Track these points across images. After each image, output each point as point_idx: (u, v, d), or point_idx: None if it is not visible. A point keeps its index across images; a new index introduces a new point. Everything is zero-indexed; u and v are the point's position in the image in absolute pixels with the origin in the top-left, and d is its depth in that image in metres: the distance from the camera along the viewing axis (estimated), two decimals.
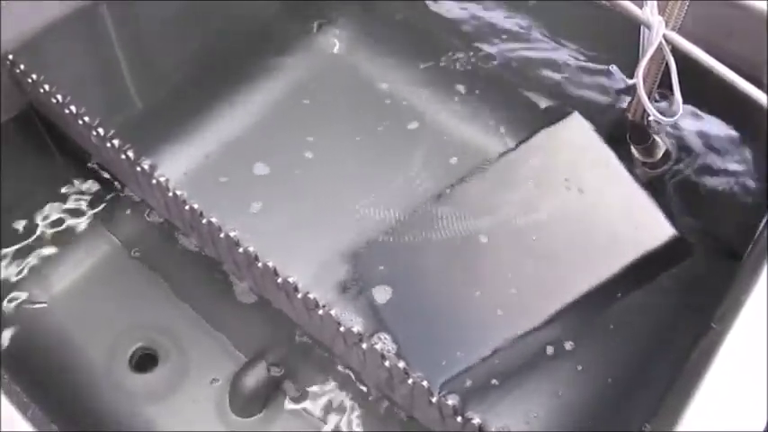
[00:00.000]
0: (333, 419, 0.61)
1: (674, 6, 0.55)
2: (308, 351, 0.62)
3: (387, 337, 0.60)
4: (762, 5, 0.57)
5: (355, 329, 0.47)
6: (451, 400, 0.44)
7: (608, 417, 0.59)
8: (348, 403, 0.61)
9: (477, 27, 0.77)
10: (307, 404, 0.61)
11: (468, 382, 0.59)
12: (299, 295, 0.49)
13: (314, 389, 0.62)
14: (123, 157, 0.56)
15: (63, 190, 0.71)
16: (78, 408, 0.62)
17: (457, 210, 0.66)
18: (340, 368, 0.61)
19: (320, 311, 0.48)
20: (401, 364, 0.46)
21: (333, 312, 0.48)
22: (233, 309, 0.66)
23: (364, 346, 0.47)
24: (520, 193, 0.65)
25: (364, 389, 0.60)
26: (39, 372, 0.62)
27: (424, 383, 0.45)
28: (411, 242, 0.65)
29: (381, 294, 0.63)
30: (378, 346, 0.47)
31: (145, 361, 0.64)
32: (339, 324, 0.48)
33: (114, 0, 0.68)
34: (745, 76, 0.53)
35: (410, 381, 0.46)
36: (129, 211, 0.71)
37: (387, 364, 0.47)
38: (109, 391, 0.62)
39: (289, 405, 0.61)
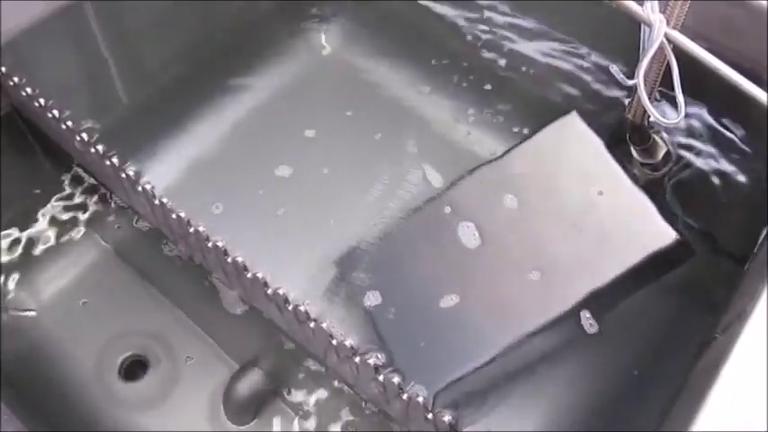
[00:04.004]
0: (326, 426, 0.60)
1: (675, 4, 0.54)
2: (300, 359, 0.61)
3: (381, 354, 0.59)
4: (762, 3, 0.56)
5: (348, 343, 0.46)
6: (447, 416, 0.43)
7: (609, 425, 0.58)
8: (342, 412, 0.60)
9: (474, 24, 0.76)
10: (300, 412, 0.61)
11: (465, 391, 0.59)
12: (290, 307, 0.48)
13: (307, 397, 0.61)
14: (108, 163, 0.55)
15: (49, 195, 0.70)
16: (68, 417, 0.61)
17: (451, 213, 0.65)
18: (333, 377, 0.60)
19: (311, 324, 0.47)
20: (395, 379, 0.45)
21: (324, 325, 0.47)
22: (225, 315, 0.65)
23: (357, 359, 0.46)
24: (516, 195, 0.64)
25: (358, 398, 0.60)
26: (27, 381, 0.62)
27: (420, 399, 0.44)
28: (403, 247, 0.64)
29: (372, 302, 0.62)
30: (371, 360, 0.45)
31: (135, 368, 0.64)
32: (331, 337, 0.47)
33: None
34: (747, 75, 0.52)
35: (405, 396, 0.45)
36: (116, 217, 0.70)
37: (380, 378, 0.46)
38: (99, 398, 0.62)
39: (282, 412, 0.61)
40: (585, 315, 0.60)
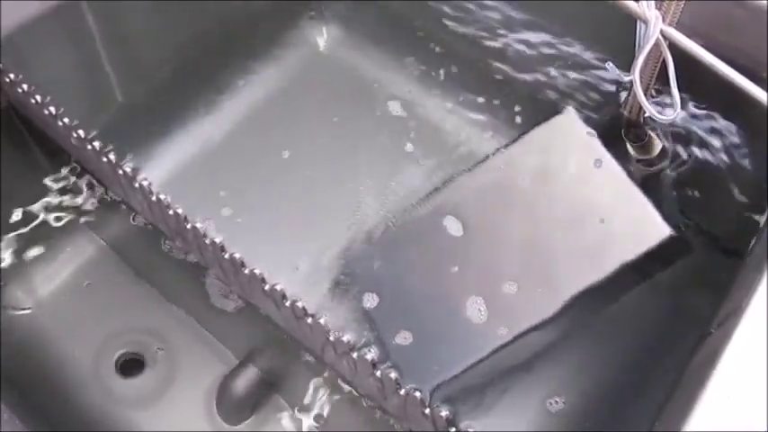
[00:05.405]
0: (323, 424, 0.60)
1: (670, 2, 0.54)
2: (298, 356, 0.61)
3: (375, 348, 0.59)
4: (762, 2, 0.56)
5: (345, 338, 0.46)
6: (445, 412, 0.43)
7: (606, 421, 0.59)
8: (339, 409, 0.60)
9: (471, 21, 0.76)
10: (296, 409, 0.61)
11: (462, 387, 0.59)
12: (287, 303, 0.48)
13: (304, 394, 0.61)
14: (105, 159, 0.55)
15: (45, 192, 0.70)
16: (65, 414, 0.61)
17: (448, 210, 0.65)
18: (330, 374, 0.60)
19: (309, 320, 0.47)
20: (393, 375, 0.45)
21: (322, 321, 0.47)
22: (221, 312, 0.65)
23: (355, 355, 0.46)
24: (512, 192, 0.64)
25: (356, 394, 0.60)
26: (26, 379, 0.62)
27: (417, 394, 0.44)
28: (401, 244, 0.64)
29: (370, 300, 0.62)
30: (368, 356, 0.45)
31: (131, 365, 0.63)
32: (328, 333, 0.47)
33: None
34: (745, 72, 0.52)
35: (402, 391, 0.45)
36: (113, 213, 0.70)
37: (378, 373, 0.45)
38: (96, 396, 0.62)
39: (278, 410, 0.61)
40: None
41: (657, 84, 0.61)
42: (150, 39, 0.74)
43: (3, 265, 0.67)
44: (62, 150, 0.65)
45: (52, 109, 0.57)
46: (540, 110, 0.71)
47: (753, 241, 0.59)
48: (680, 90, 0.57)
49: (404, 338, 0.60)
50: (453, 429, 0.43)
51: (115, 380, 0.63)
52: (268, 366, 0.61)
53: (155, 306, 0.66)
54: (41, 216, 0.69)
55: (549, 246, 0.62)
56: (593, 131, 0.64)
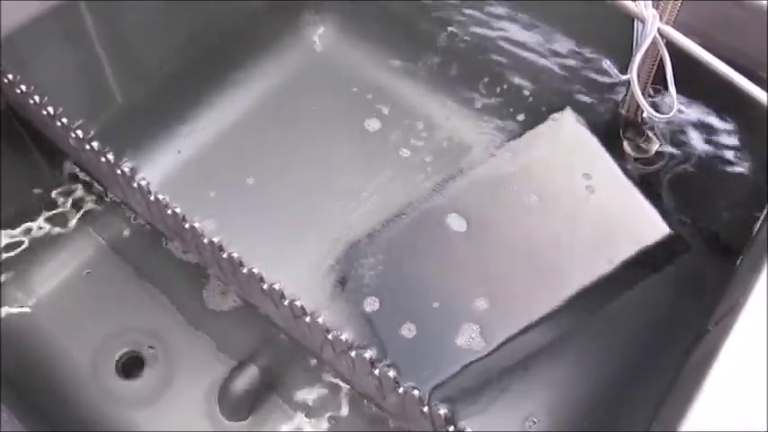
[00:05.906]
0: (323, 423, 0.60)
1: (668, 0, 0.54)
2: (296, 355, 0.61)
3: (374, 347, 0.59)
4: (762, 3, 0.56)
5: (344, 337, 0.46)
6: (443, 410, 0.43)
7: (604, 419, 0.59)
8: (338, 407, 0.60)
9: (469, 22, 0.76)
10: (296, 408, 0.61)
11: (461, 386, 0.59)
12: (286, 302, 0.48)
13: (303, 392, 0.61)
14: (103, 159, 0.55)
15: (44, 192, 0.70)
16: (65, 414, 0.61)
17: (446, 210, 0.65)
18: (329, 373, 0.60)
19: (307, 319, 0.47)
20: (391, 373, 0.45)
21: (320, 320, 0.47)
22: (220, 312, 0.65)
23: (353, 354, 0.46)
24: (511, 191, 0.64)
25: (355, 392, 0.60)
26: (25, 379, 0.62)
27: (415, 392, 0.44)
28: (398, 244, 0.64)
29: (368, 300, 0.62)
30: (366, 355, 0.45)
31: (132, 365, 0.63)
32: (327, 331, 0.47)
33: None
34: (744, 72, 0.52)
35: (401, 390, 0.45)
36: (113, 213, 0.70)
37: (376, 372, 0.46)
38: (95, 396, 0.62)
39: (278, 410, 0.61)
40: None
41: (655, 82, 0.62)
42: (150, 39, 0.74)
43: (2, 264, 0.67)
44: (61, 151, 0.65)
45: (51, 109, 0.57)
46: (538, 109, 0.71)
47: (750, 239, 0.59)
48: (677, 89, 0.57)
49: (408, 330, 0.60)
50: (452, 428, 0.43)
51: (115, 380, 0.63)
52: (268, 366, 0.61)
53: (154, 306, 0.66)
54: (41, 216, 0.69)
55: (548, 244, 0.62)
56: (591, 131, 0.64)
